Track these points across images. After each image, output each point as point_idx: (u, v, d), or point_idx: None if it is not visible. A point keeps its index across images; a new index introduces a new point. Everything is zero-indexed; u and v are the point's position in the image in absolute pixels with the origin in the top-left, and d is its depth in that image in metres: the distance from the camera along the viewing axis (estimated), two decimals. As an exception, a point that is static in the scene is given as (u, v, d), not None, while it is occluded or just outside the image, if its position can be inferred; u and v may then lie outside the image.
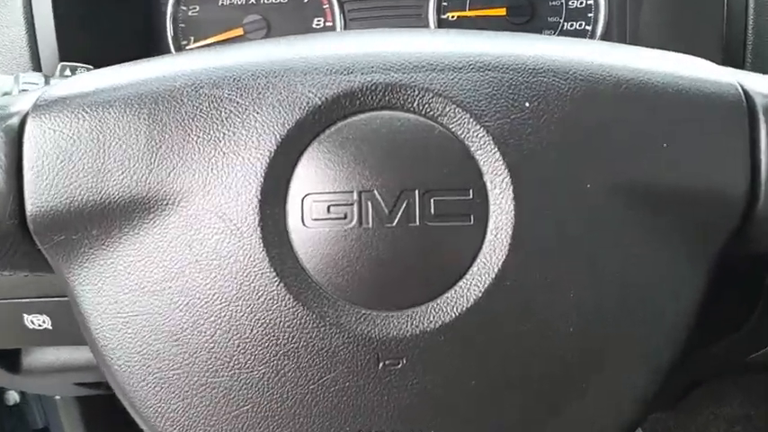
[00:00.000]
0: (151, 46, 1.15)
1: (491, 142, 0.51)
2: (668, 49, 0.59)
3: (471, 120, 0.51)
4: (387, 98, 0.52)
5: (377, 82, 0.52)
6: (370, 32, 0.59)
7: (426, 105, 0.52)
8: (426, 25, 1.17)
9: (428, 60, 0.53)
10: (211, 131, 0.52)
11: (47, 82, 0.75)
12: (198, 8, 1.16)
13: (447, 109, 0.52)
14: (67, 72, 0.77)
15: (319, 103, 0.52)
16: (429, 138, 0.51)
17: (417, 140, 0.51)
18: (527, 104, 0.51)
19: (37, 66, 0.94)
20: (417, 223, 0.50)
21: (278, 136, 0.51)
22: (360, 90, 0.52)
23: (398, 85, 0.52)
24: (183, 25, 1.16)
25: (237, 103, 0.52)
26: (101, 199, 0.52)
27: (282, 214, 0.51)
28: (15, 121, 0.53)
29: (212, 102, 0.52)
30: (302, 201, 0.51)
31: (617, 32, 1.12)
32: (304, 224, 0.51)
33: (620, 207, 0.51)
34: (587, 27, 1.15)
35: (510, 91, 0.52)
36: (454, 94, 0.52)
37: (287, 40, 0.59)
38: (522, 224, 0.50)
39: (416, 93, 0.52)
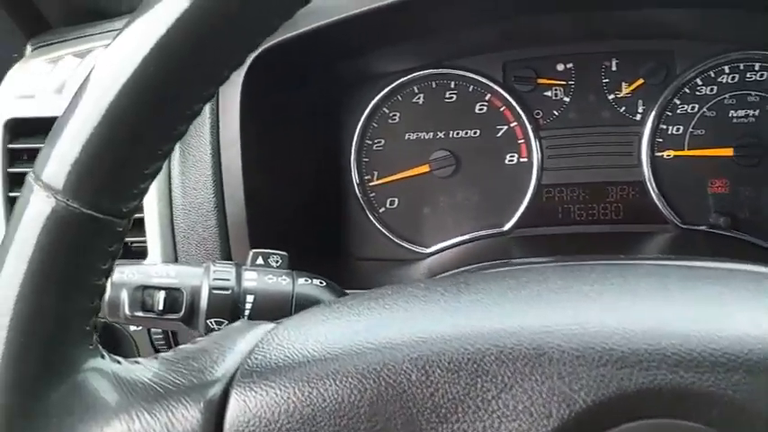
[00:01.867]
0: (334, 180, 1.10)
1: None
2: None
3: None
4: (672, 405, 0.40)
5: (660, 383, 0.40)
6: (637, 279, 0.47)
7: (728, 421, 0.39)
8: (637, 164, 1.04)
9: (728, 351, 0.40)
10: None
11: (239, 274, 0.69)
12: (383, 142, 1.10)
13: (757, 427, 0.39)
14: (260, 260, 0.71)
15: (582, 405, 0.41)
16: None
17: (713, 469, 0.39)
18: None
19: (222, 220, 0.90)
20: None
21: (528, 445, 0.40)
22: (637, 392, 0.40)
23: (689, 389, 0.40)
24: (366, 160, 1.10)
25: (476, 395, 0.42)
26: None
27: None
28: (216, 392, 0.46)
29: (446, 392, 0.43)
30: None
31: None
32: None
33: None
34: (834, 170, 0.98)
35: None
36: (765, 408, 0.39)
37: (529, 282, 0.48)
38: None
39: (713, 401, 0.40)
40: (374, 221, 1.10)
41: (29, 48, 1.01)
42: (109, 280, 0.50)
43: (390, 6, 0.90)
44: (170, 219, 0.89)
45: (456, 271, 0.91)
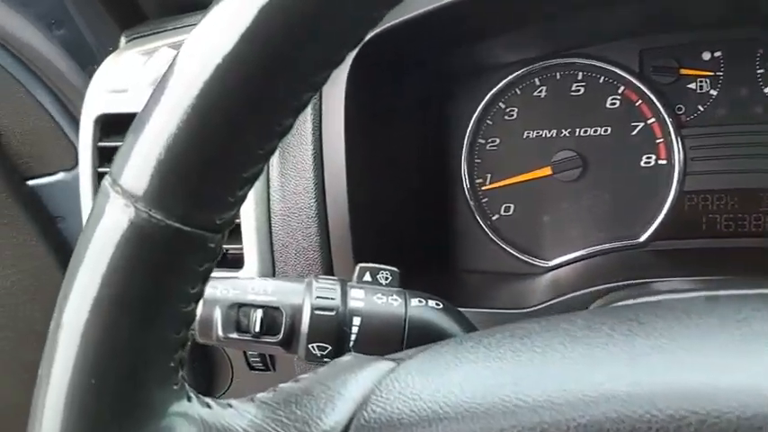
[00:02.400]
0: (442, 183, 1.00)
1: None
2: None
3: None
4: None
5: None
6: None
7: None
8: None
9: None
10: None
11: (344, 292, 0.60)
12: (498, 141, 0.99)
13: None
14: (367, 276, 0.62)
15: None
16: None
17: None
18: None
19: (324, 228, 0.81)
20: None
21: None
22: None
23: None
24: (479, 161, 0.99)
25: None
26: None
27: None
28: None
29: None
30: None
31: None
32: None
33: None
34: None
35: None
36: None
37: (725, 322, 0.37)
38: None
39: None
40: (486, 230, 0.99)
41: (123, 40, 0.96)
42: (199, 303, 0.41)
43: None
44: (268, 226, 0.81)
45: (590, 290, 0.79)
